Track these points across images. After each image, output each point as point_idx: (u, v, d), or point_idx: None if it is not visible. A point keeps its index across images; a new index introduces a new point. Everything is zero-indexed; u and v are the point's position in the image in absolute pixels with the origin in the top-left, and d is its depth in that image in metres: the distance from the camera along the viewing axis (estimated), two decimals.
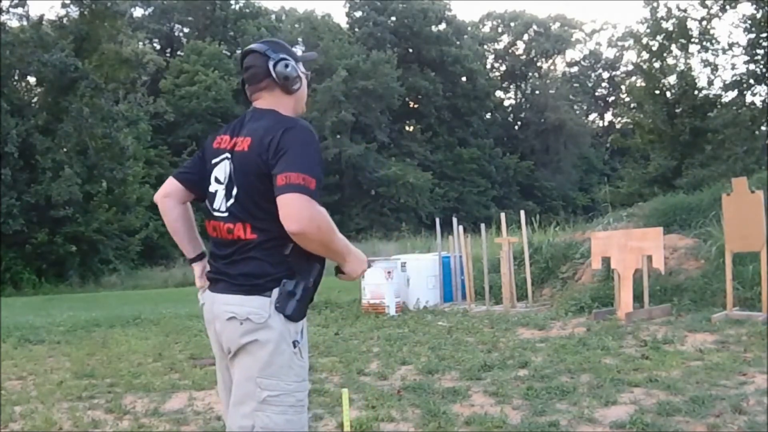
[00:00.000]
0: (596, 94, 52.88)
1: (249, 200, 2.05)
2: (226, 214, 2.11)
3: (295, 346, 2.05)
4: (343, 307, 10.61)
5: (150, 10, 38.58)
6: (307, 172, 1.95)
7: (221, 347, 2.15)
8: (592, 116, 53.90)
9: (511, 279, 9.31)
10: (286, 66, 2.15)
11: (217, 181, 2.16)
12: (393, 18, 42.43)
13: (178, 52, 38.80)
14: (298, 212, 1.92)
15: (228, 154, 2.13)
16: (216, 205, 2.15)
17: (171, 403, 4.81)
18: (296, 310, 2.04)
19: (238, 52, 38.51)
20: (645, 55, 23.07)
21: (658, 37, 21.97)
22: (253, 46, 2.22)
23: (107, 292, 19.94)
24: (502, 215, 10.22)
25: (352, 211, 36.62)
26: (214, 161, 2.19)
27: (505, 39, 51.25)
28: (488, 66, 49.20)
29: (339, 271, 2.21)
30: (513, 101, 51.60)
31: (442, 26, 43.96)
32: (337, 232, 2.04)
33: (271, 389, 2.02)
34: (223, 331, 2.10)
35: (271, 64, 2.15)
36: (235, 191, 2.09)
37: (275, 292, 2.03)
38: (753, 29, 18.99)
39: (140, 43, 31.59)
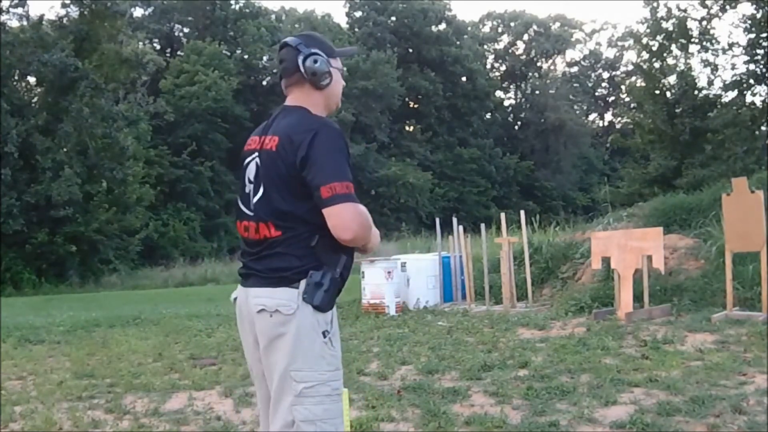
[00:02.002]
0: (596, 94, 52.89)
1: (274, 198, 2.10)
2: (252, 213, 2.17)
3: (325, 336, 2.08)
4: (343, 307, 10.61)
5: (150, 10, 38.56)
6: (347, 179, 2.03)
7: (255, 340, 2.19)
8: (592, 116, 53.96)
9: (511, 279, 9.31)
10: (315, 61, 2.16)
11: (249, 181, 2.21)
12: (393, 18, 42.43)
13: (178, 52, 38.79)
14: (351, 222, 2.02)
15: (257, 153, 2.18)
16: (246, 205, 2.21)
17: (171, 403, 4.81)
18: (324, 301, 2.06)
19: (238, 52, 38.56)
20: (645, 55, 23.04)
21: (658, 37, 21.95)
22: (287, 39, 2.26)
23: (107, 292, 19.94)
24: (502, 215, 10.22)
25: None
26: (245, 162, 2.24)
27: (505, 39, 51.26)
28: (488, 66, 49.20)
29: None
30: (513, 101, 51.62)
31: (442, 26, 43.96)
32: (373, 225, 2.13)
33: (306, 381, 2.05)
34: (255, 324, 2.15)
35: (300, 58, 2.16)
36: (261, 190, 2.14)
37: (302, 283, 2.06)
38: (753, 29, 18.97)
39: (140, 43, 31.59)
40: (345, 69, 2.32)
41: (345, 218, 2.01)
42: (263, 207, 2.13)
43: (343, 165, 2.05)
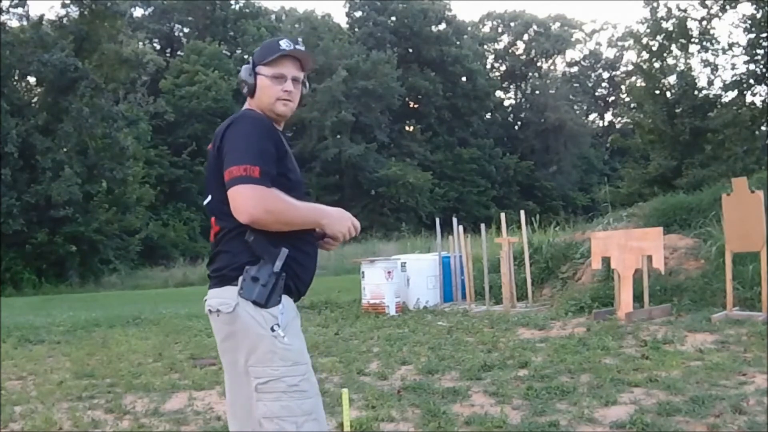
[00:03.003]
0: (596, 94, 52.88)
1: (215, 196, 2.13)
2: (208, 213, 2.21)
3: (273, 330, 2.03)
4: (343, 307, 10.61)
5: (150, 10, 38.59)
6: (248, 161, 2.00)
7: None
8: (592, 116, 53.94)
9: (511, 279, 9.31)
10: (239, 71, 2.27)
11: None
12: (393, 18, 42.42)
13: (178, 52, 38.81)
14: (244, 203, 1.98)
15: None
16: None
17: (171, 403, 4.81)
18: (262, 295, 2.02)
19: (238, 52, 38.57)
20: (645, 55, 23.05)
21: (658, 37, 21.96)
22: None
23: (107, 292, 19.94)
24: (502, 215, 10.22)
25: (352, 211, 35.22)
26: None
27: (505, 39, 51.25)
28: (488, 66, 49.18)
29: (320, 237, 2.23)
30: (513, 101, 51.60)
31: (442, 26, 43.95)
32: (296, 205, 2.08)
33: (258, 376, 2.03)
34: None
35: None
36: (208, 190, 2.19)
37: (240, 279, 2.05)
38: (753, 29, 18.97)
39: (140, 43, 31.61)
40: (301, 76, 2.26)
41: (238, 201, 1.99)
42: (211, 205, 2.17)
43: (247, 149, 2.02)
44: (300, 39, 2.29)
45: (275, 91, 2.20)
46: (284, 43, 2.22)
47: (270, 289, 2.03)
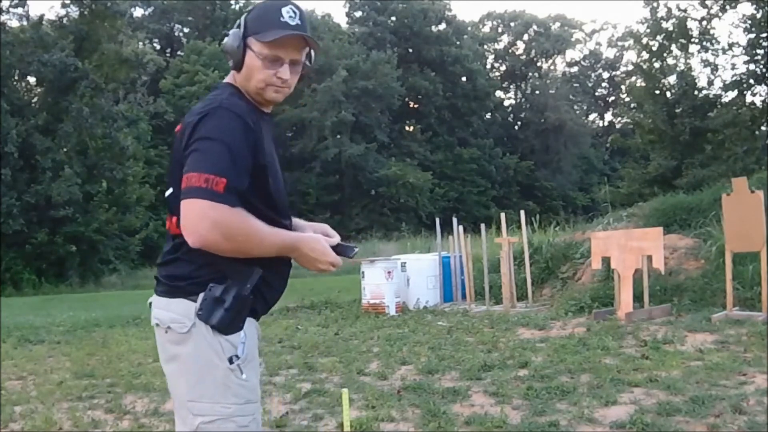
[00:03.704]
0: (596, 94, 52.90)
1: (178, 190, 1.70)
2: (169, 205, 1.83)
3: (231, 362, 1.71)
4: (343, 307, 10.61)
5: (150, 10, 38.58)
6: (213, 171, 1.62)
7: None
8: (592, 116, 53.97)
9: (511, 279, 9.31)
10: (226, 36, 1.83)
11: None
12: (393, 18, 42.43)
13: (178, 52, 38.80)
14: (197, 223, 1.61)
15: None
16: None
17: (171, 403, 4.81)
18: (224, 321, 1.70)
19: None
20: (645, 55, 23.07)
21: (658, 37, 21.97)
22: None
23: (107, 292, 19.94)
24: (502, 215, 10.22)
25: (352, 211, 36.63)
26: None
27: (505, 39, 51.27)
28: (488, 66, 49.20)
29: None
30: (513, 101, 51.62)
31: (442, 26, 43.97)
32: (261, 233, 1.69)
33: (204, 414, 1.72)
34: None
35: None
36: (170, 181, 1.81)
37: (201, 297, 1.71)
38: (753, 29, 18.99)
39: (140, 43, 31.60)
40: (307, 62, 1.88)
41: (189, 218, 1.62)
42: (172, 199, 1.78)
43: (215, 154, 1.64)
44: (301, 9, 1.84)
45: (267, 76, 1.79)
46: (287, 16, 1.78)
47: (234, 314, 1.71)
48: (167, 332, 1.77)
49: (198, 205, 1.61)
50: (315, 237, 1.83)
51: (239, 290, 1.72)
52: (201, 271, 1.73)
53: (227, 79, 1.89)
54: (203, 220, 1.61)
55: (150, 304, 1.87)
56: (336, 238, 1.93)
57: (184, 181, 1.64)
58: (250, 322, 1.79)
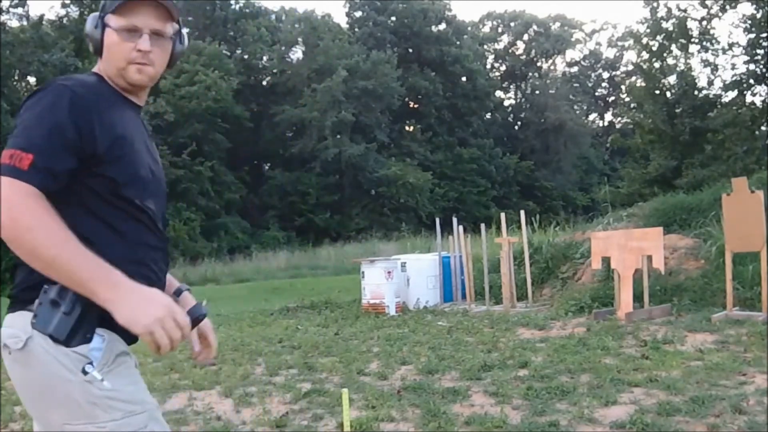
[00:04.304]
0: (596, 94, 52.89)
1: None
2: None
3: (85, 373, 1.42)
4: (343, 307, 10.61)
5: None
6: (21, 146, 1.40)
7: None
8: (592, 116, 53.95)
9: (511, 279, 9.31)
10: (87, 22, 1.65)
11: None
12: (393, 18, 42.43)
13: None
14: None
15: None
16: None
17: (171, 403, 4.81)
18: (63, 328, 1.38)
19: (238, 52, 38.58)
20: (645, 55, 23.05)
21: (658, 37, 21.96)
22: None
23: None
24: (502, 215, 10.23)
25: (352, 211, 36.62)
26: None
27: (505, 39, 51.26)
28: (488, 66, 49.19)
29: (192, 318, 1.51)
30: (513, 101, 51.61)
31: (442, 26, 43.96)
32: (60, 237, 1.36)
33: None
34: None
35: None
36: None
37: (36, 303, 1.41)
38: (753, 29, 18.97)
39: None
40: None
41: None
42: None
43: (28, 128, 1.43)
44: None
45: (125, 51, 1.58)
46: None
47: (75, 319, 1.39)
48: (10, 353, 1.47)
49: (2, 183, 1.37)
50: (157, 290, 1.44)
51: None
52: (35, 274, 1.41)
53: (94, 69, 1.68)
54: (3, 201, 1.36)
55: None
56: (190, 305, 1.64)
57: None
58: (105, 334, 1.47)
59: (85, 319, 1.41)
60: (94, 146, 1.47)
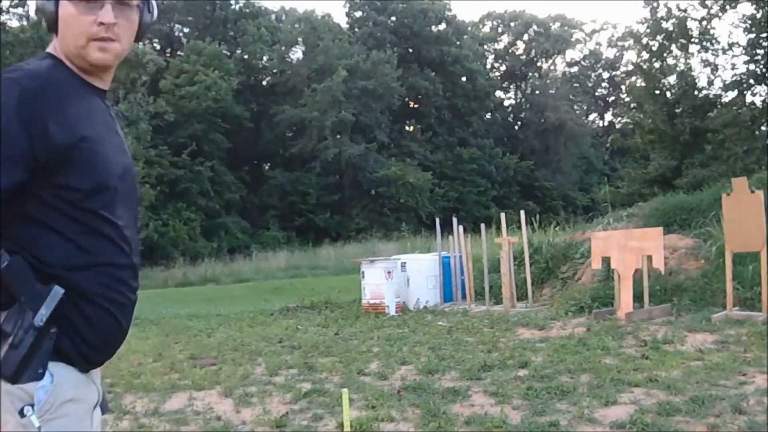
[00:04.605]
0: (596, 94, 52.88)
1: None
2: None
3: (23, 416, 1.24)
4: (343, 307, 10.61)
5: None
6: None
7: None
8: (592, 116, 53.93)
9: (511, 279, 9.31)
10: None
11: None
12: (393, 18, 42.43)
13: (178, 52, 38.77)
14: None
15: None
16: None
17: (171, 403, 4.81)
18: (11, 363, 1.22)
19: (238, 52, 38.58)
20: (645, 55, 23.04)
21: (658, 37, 21.95)
22: None
23: None
24: (502, 215, 10.23)
25: (352, 211, 36.62)
26: None
27: (505, 39, 51.25)
28: (488, 66, 49.18)
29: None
30: (513, 101, 51.61)
31: (442, 26, 43.96)
32: None
33: None
34: None
35: None
36: None
37: None
38: (753, 29, 18.97)
39: (140, 43, 31.58)
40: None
41: None
42: None
43: None
44: None
45: (85, 25, 1.36)
46: None
47: (24, 352, 1.23)
48: None
49: None
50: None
51: (27, 318, 1.23)
52: None
53: (48, 49, 1.44)
54: None
55: None
56: None
57: None
58: (62, 369, 1.30)
59: (35, 355, 1.24)
60: (49, 152, 1.27)
